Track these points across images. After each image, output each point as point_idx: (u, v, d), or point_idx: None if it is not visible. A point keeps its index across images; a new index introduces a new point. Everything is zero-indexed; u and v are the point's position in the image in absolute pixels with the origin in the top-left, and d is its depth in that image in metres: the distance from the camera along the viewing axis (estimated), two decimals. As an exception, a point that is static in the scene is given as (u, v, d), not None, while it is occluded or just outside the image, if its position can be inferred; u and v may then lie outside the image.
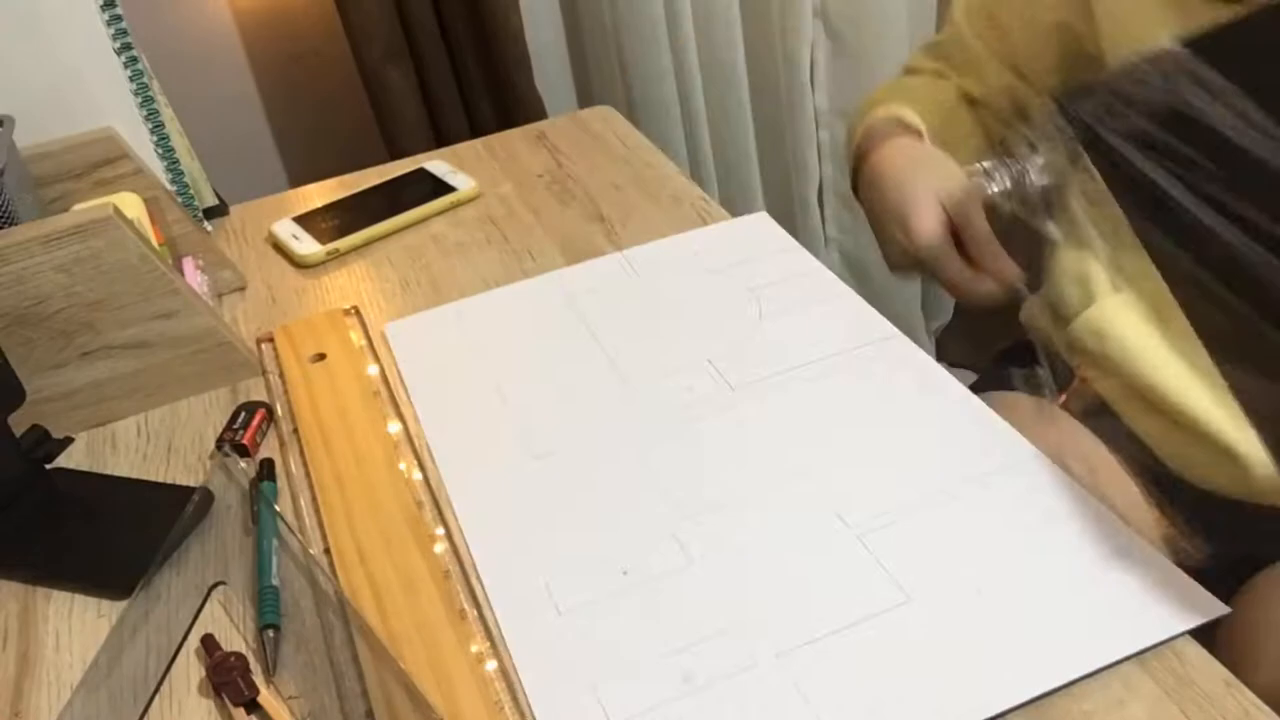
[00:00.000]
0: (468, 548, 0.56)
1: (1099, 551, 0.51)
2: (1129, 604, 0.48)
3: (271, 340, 0.74)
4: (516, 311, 0.75)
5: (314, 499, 0.61)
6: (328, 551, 0.57)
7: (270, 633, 0.53)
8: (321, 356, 0.71)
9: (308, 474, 0.62)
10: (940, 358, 1.93)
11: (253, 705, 0.50)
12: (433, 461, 0.62)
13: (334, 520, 0.59)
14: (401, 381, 0.69)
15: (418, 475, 0.61)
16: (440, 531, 0.58)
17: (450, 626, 0.52)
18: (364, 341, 0.73)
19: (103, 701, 0.51)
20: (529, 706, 0.48)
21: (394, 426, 0.65)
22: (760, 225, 0.80)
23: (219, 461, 0.64)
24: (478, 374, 0.69)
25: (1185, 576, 0.49)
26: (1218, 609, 0.48)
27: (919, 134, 0.76)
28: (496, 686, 0.49)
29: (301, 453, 0.64)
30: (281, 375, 0.71)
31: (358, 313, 0.76)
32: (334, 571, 0.56)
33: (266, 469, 0.63)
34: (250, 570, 0.57)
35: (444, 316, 0.75)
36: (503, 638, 0.51)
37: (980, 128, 0.81)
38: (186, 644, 0.54)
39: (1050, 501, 0.54)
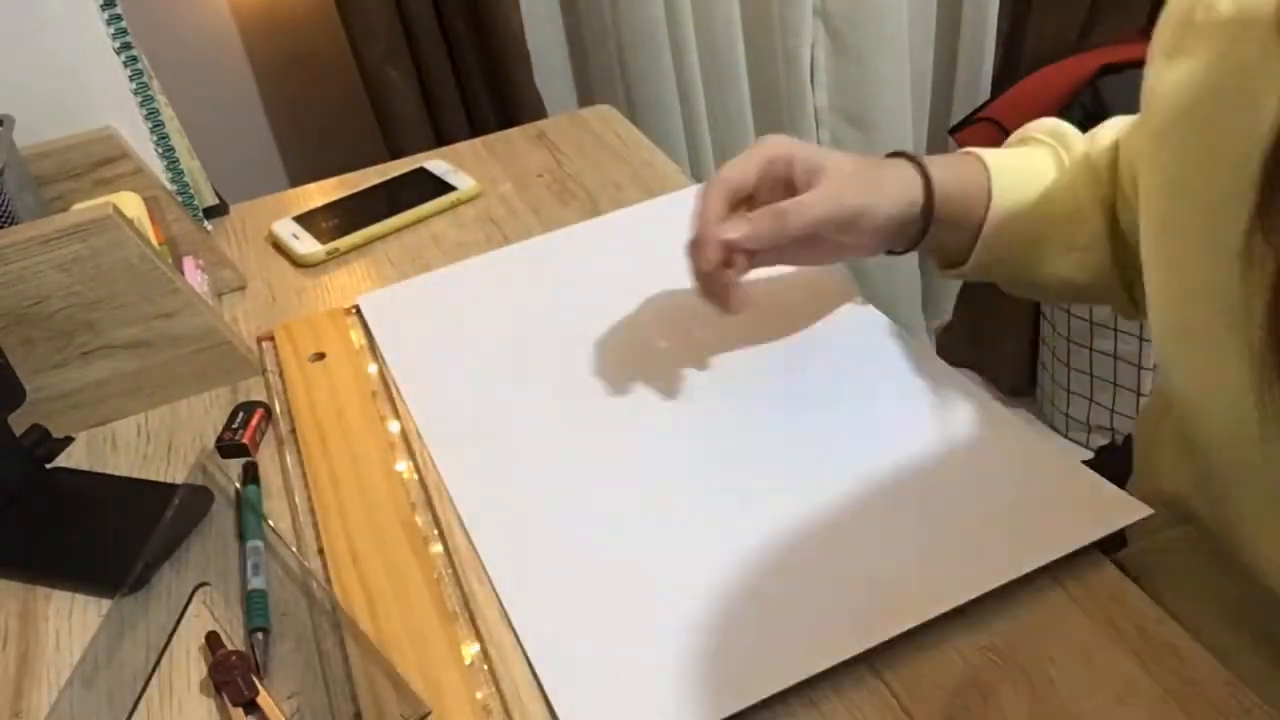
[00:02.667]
0: (468, 544, 0.56)
1: (1022, 463, 0.56)
2: (1056, 509, 0.52)
3: (272, 339, 0.74)
4: (487, 280, 0.77)
5: (309, 499, 0.61)
6: (321, 552, 0.57)
7: (260, 635, 0.53)
8: (321, 355, 0.71)
9: (304, 473, 0.62)
10: (940, 356, 1.93)
11: (253, 705, 0.50)
12: (431, 462, 0.62)
13: (328, 520, 0.59)
14: (379, 355, 0.70)
15: (414, 476, 0.61)
16: (435, 533, 0.58)
17: (441, 630, 0.52)
18: (364, 341, 0.73)
19: (101, 697, 0.52)
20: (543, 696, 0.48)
21: (393, 426, 0.65)
22: None
23: (201, 462, 0.64)
24: (454, 342, 0.71)
25: (1108, 483, 0.53)
26: (1140, 510, 0.51)
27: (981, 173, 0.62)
28: (486, 691, 0.49)
29: (299, 452, 0.64)
30: (281, 374, 0.71)
31: (358, 312, 0.76)
32: (327, 572, 0.56)
33: (250, 473, 0.63)
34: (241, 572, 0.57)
35: (415, 287, 0.78)
36: (493, 639, 0.51)
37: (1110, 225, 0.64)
38: (190, 642, 0.54)
39: (973, 414, 0.59)
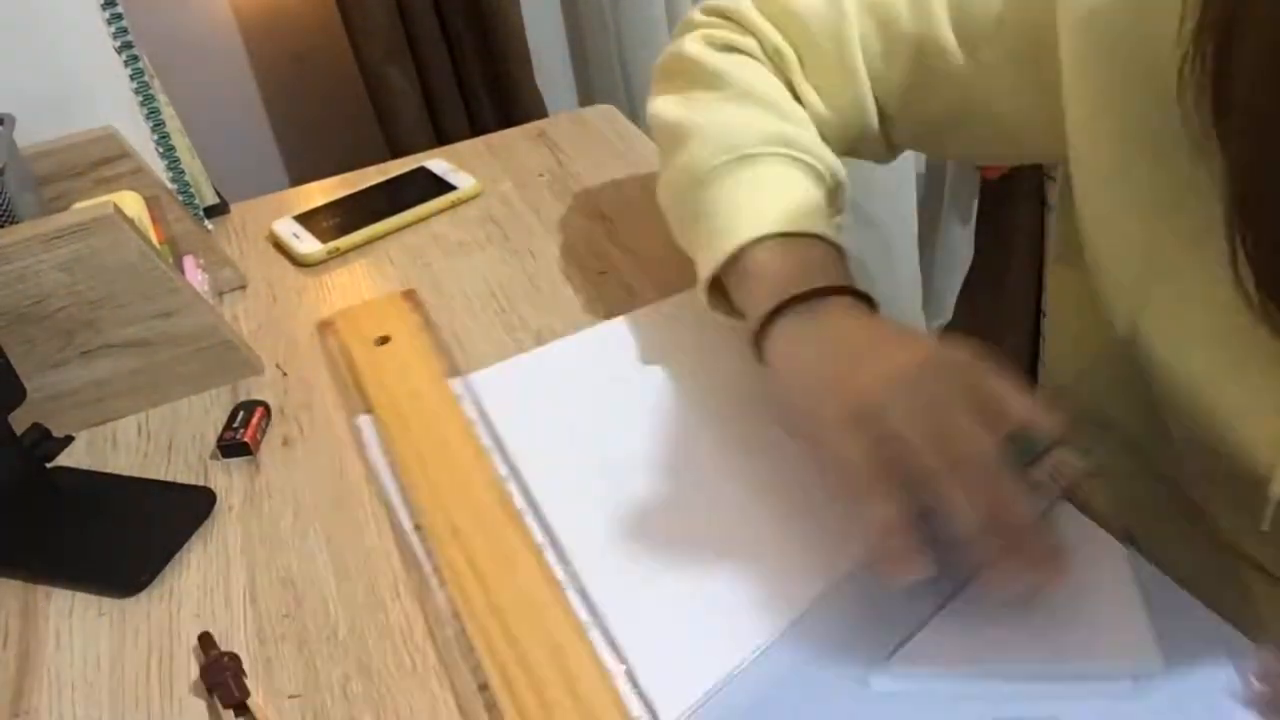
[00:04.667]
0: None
1: None
2: None
3: (332, 324, 0.75)
4: (598, 354, 0.70)
5: (397, 479, 0.61)
6: (419, 528, 0.58)
7: None
8: (386, 339, 0.72)
9: (385, 453, 0.63)
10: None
11: (244, 708, 0.50)
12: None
13: (420, 499, 0.59)
14: (494, 431, 0.64)
15: (498, 454, 0.62)
16: (530, 507, 0.58)
17: (552, 597, 0.53)
18: (425, 324, 0.74)
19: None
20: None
21: (471, 410, 0.65)
22: None
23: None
24: (568, 418, 0.65)
25: None
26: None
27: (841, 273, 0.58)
28: (606, 656, 0.49)
29: (381, 434, 0.64)
30: (347, 359, 0.71)
31: (414, 297, 0.77)
32: (427, 546, 0.56)
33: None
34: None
35: (526, 363, 0.71)
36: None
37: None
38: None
39: None
